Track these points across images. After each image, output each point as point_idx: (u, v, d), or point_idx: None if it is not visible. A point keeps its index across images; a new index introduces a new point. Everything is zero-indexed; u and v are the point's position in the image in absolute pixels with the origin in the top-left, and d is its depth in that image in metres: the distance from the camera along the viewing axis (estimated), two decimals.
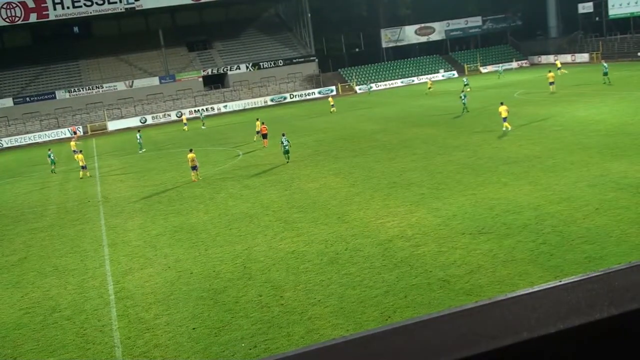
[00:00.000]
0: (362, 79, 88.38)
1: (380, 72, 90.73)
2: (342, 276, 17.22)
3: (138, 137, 50.90)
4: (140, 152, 49.39)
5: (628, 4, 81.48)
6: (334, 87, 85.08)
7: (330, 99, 66.58)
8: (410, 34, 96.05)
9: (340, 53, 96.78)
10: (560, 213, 20.05)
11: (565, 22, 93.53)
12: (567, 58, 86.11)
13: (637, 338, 1.09)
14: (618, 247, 16.30)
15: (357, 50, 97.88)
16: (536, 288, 1.18)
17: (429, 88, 67.83)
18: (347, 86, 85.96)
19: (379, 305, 14.99)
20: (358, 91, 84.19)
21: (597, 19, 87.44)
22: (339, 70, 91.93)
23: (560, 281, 1.21)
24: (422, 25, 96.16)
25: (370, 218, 22.52)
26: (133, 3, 79.31)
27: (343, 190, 27.45)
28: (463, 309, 1.12)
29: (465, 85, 61.24)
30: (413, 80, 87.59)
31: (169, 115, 78.20)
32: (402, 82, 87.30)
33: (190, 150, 34.38)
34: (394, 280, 16.39)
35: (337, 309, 15.10)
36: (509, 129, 35.71)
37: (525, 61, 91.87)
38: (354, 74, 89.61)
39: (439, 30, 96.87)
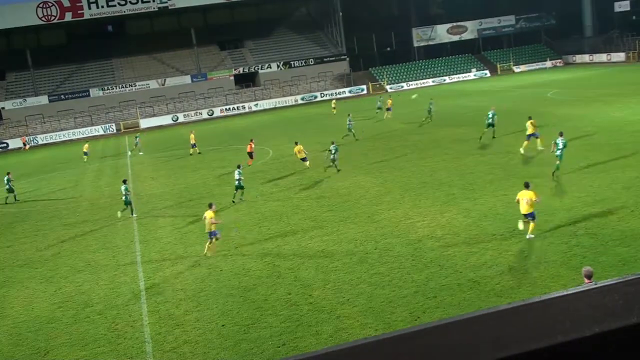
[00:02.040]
0: (394, 78, 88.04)
1: (412, 72, 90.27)
2: (371, 275, 17.18)
3: (136, 140, 51.83)
4: (136, 154, 50.04)
5: None
6: (364, 87, 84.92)
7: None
8: (442, 33, 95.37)
9: (372, 52, 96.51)
10: (594, 215, 19.73)
11: (601, 20, 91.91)
12: (603, 57, 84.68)
13: None
14: None
15: (388, 49, 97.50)
16: (570, 291, 1.17)
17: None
18: (377, 85, 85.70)
19: (408, 305, 14.93)
20: (389, 90, 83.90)
21: (634, 17, 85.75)
22: (370, 69, 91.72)
23: (596, 284, 1.18)
24: (454, 24, 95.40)
25: (400, 218, 22.42)
26: (166, 2, 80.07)
27: (373, 190, 27.36)
28: (495, 311, 1.11)
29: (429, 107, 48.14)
30: (445, 80, 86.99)
31: (201, 113, 78.82)
32: (433, 82, 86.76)
33: (296, 143, 33.82)
34: (424, 281, 16.30)
35: (366, 308, 15.06)
36: (541, 149, 29.22)
37: (560, 60, 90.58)
38: (385, 73, 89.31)
39: (471, 29, 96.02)
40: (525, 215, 18.65)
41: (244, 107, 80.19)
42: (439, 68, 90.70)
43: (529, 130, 30.06)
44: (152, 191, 33.69)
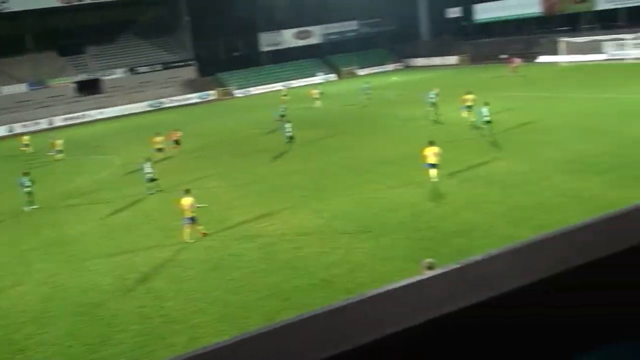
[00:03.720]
0: (242, 82, 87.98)
1: (260, 76, 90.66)
2: (225, 282, 17.08)
3: None
4: None
5: (492, 9, 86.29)
6: (213, 92, 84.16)
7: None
8: (288, 38, 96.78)
9: (219, 57, 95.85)
10: (434, 209, 20.92)
11: (436, 26, 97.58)
12: (438, 60, 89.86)
13: (498, 323, 1.14)
14: (486, 239, 17.20)
15: (235, 54, 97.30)
16: (402, 282, 1.22)
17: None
18: (226, 90, 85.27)
19: (262, 308, 15.00)
20: (237, 95, 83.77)
21: (464, 23, 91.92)
22: (218, 74, 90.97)
23: (424, 275, 1.26)
24: (300, 29, 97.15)
25: (253, 222, 22.47)
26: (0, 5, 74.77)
27: (225, 195, 27.20)
28: (333, 308, 1.14)
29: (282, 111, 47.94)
30: (292, 84, 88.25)
31: (39, 123, 74.12)
32: (282, 86, 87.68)
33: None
34: (277, 283, 16.45)
35: (220, 316, 14.95)
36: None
37: (400, 63, 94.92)
38: (233, 78, 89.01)
39: (316, 34, 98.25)
40: (432, 165, 23.68)
41: (88, 116, 76.55)
42: (286, 72, 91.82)
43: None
44: None
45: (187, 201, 21.29)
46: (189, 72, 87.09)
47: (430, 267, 12.37)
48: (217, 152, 38.90)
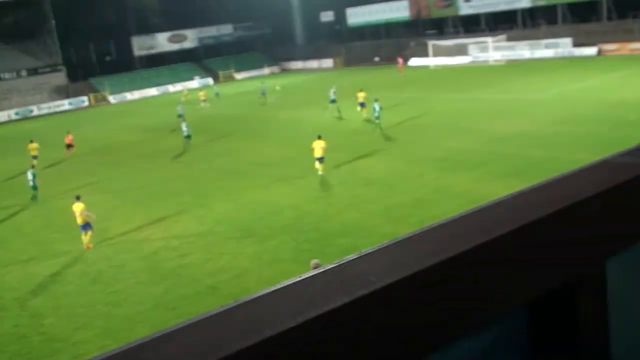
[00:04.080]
0: (116, 88, 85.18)
1: (134, 81, 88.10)
2: (107, 295, 16.53)
3: None
4: None
5: (363, 13, 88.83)
6: (85, 98, 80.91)
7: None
8: (162, 42, 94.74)
9: (91, 62, 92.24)
10: (318, 211, 21.29)
11: (310, 29, 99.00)
12: (314, 64, 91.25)
13: (368, 322, 1.17)
14: (369, 238, 17.72)
15: (108, 58, 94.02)
16: (278, 286, 1.21)
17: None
18: (100, 96, 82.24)
19: (148, 320, 14.67)
20: (112, 101, 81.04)
21: (337, 27, 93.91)
22: (90, 79, 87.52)
23: (300, 277, 1.25)
24: (175, 32, 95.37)
25: (134, 231, 21.88)
26: None
27: (102, 205, 26.27)
28: (209, 315, 1.13)
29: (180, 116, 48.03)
30: (168, 89, 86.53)
31: None
32: (157, 91, 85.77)
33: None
34: (162, 293, 16.14)
35: (103, 330, 14.47)
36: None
37: (277, 67, 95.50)
38: (107, 83, 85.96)
39: (191, 38, 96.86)
40: (319, 159, 25.53)
41: None
42: (162, 77, 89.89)
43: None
44: None
45: (78, 207, 20.93)
46: (59, 78, 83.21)
47: (317, 268, 12.63)
48: (93, 160, 37.45)
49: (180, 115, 46.19)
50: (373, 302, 1.17)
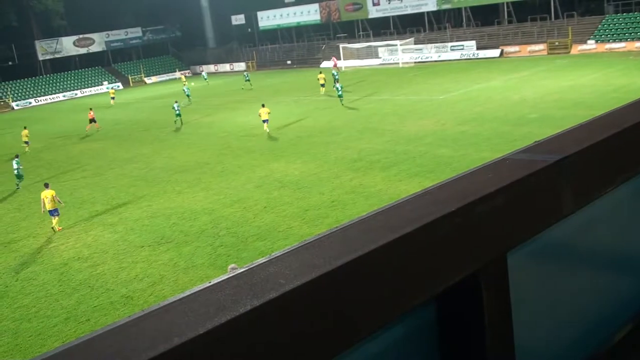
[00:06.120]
0: (19, 94, 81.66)
1: (39, 87, 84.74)
2: (14, 310, 15.84)
3: None
4: None
5: (275, 16, 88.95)
6: None
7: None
8: (68, 46, 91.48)
9: None
10: (233, 215, 21.15)
11: (222, 33, 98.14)
12: (227, 67, 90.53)
13: (278, 325, 1.19)
14: (286, 240, 17.79)
15: (10, 63, 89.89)
16: (187, 292, 1.23)
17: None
18: (2, 103, 78.57)
19: (60, 334, 14.16)
20: (15, 107, 77.63)
21: (249, 30, 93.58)
22: None
23: (210, 282, 1.26)
24: (80, 36, 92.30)
25: (42, 242, 21.07)
26: None
27: (6, 216, 25.17)
28: (116, 326, 1.12)
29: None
30: (76, 94, 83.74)
31: None
32: (64, 96, 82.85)
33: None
34: (74, 305, 15.61)
35: (11, 347, 13.85)
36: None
37: (188, 71, 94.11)
38: (9, 89, 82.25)
39: (99, 42, 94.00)
40: (265, 121, 34.64)
41: None
42: (68, 82, 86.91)
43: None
44: None
45: (49, 193, 22.11)
46: None
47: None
48: None
49: (188, 96, 56.21)
50: (282, 304, 1.18)
